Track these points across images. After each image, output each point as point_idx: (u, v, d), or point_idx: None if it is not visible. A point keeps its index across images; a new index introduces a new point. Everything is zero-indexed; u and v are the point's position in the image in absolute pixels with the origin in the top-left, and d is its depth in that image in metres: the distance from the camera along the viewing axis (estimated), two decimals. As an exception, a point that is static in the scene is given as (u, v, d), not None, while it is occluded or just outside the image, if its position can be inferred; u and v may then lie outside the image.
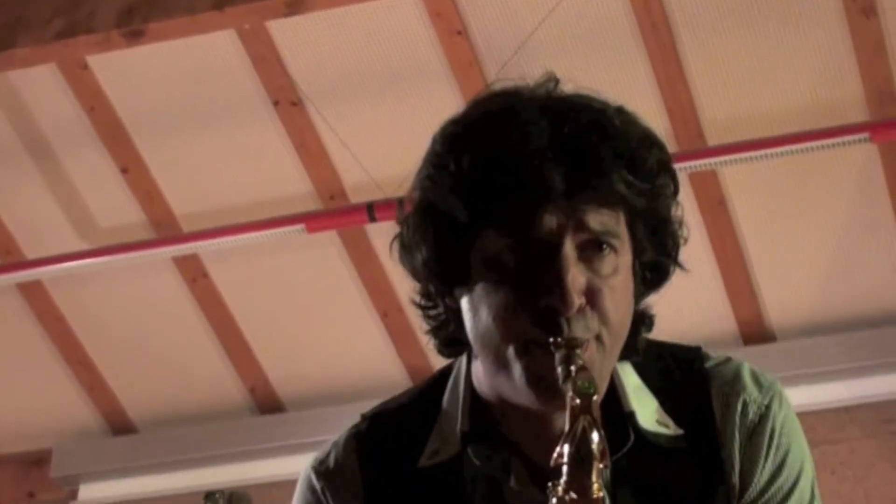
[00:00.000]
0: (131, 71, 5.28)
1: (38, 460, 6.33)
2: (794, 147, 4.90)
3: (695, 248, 5.37)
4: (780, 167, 5.07)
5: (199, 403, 6.13)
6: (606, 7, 4.90)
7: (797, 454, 1.78)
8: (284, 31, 5.12)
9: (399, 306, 5.61)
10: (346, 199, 5.44)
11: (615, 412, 1.73)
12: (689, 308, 5.19)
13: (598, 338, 1.63)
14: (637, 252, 1.70)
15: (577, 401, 1.52)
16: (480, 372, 1.76)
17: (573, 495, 1.51)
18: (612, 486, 1.69)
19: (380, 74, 4.97)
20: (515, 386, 1.64)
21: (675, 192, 1.70)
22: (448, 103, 4.89)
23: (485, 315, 1.65)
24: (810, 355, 5.32)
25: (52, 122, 5.47)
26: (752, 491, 1.74)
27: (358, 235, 5.53)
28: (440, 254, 1.69)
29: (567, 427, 1.52)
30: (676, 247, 1.74)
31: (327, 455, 1.83)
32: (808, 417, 4.44)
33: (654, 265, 1.74)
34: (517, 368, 1.63)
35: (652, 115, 4.79)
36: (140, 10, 4.83)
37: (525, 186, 1.60)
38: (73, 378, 6.14)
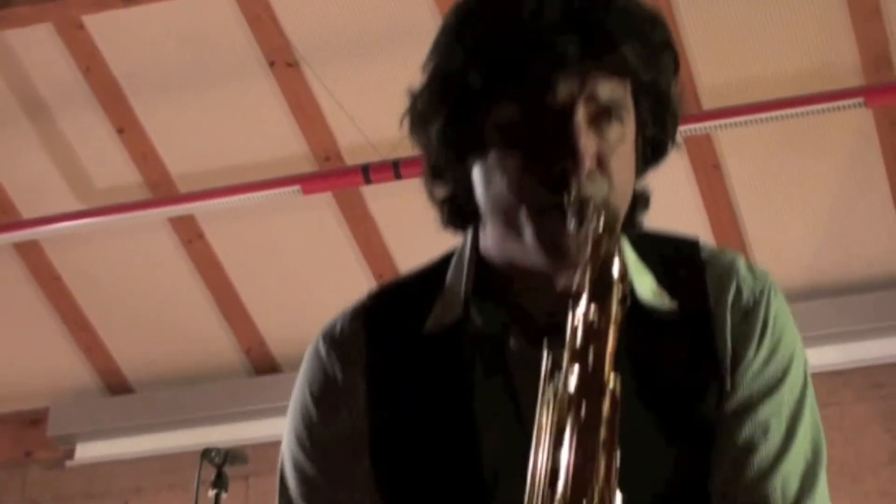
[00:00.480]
0: (127, 31, 5.26)
1: (34, 420, 6.34)
2: (789, 111, 4.91)
3: (689, 212, 5.40)
4: (776, 132, 5.06)
5: (194, 364, 6.14)
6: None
7: (790, 342, 1.81)
8: (281, -8, 5.11)
9: (394, 267, 5.61)
10: (342, 160, 5.43)
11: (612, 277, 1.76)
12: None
13: (605, 201, 1.67)
14: (640, 126, 1.75)
15: (601, 225, 1.58)
16: (489, 239, 1.78)
17: (593, 314, 1.55)
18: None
19: (376, 36, 4.95)
20: (526, 248, 1.68)
21: (676, 70, 1.76)
22: (444, 65, 4.88)
23: (498, 180, 1.70)
24: (803, 319, 5.22)
25: (48, 82, 5.46)
26: (744, 373, 1.76)
27: (353, 197, 5.52)
28: (455, 122, 1.73)
29: (589, 252, 1.57)
30: (675, 125, 1.81)
31: (334, 324, 1.87)
32: (801, 381, 4.45)
33: (654, 141, 1.79)
34: (529, 231, 1.67)
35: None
36: (135, -31, 4.83)
37: (540, 54, 1.65)
38: (70, 338, 6.15)
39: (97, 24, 5.24)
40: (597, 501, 1.50)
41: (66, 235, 5.73)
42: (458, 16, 1.76)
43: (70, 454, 6.29)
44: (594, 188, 1.64)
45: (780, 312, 1.82)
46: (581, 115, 1.66)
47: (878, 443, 5.34)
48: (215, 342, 6.09)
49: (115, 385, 6.28)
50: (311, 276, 5.73)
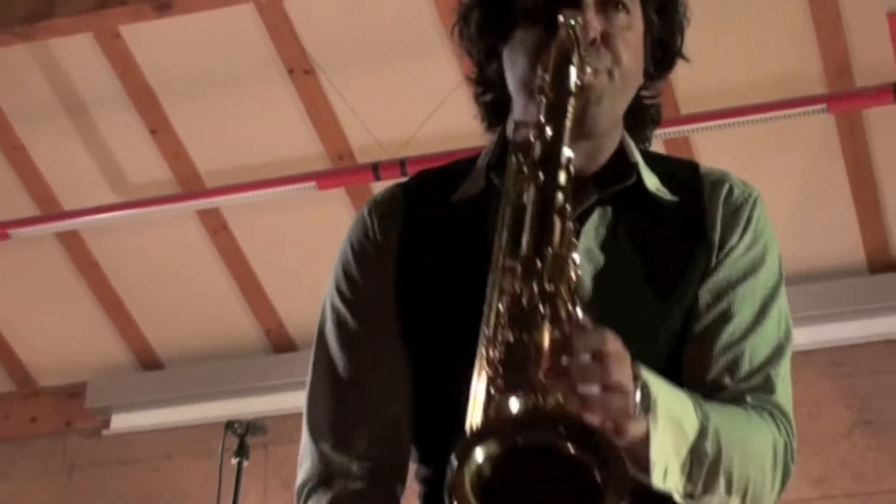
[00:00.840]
0: (160, 41, 5.26)
1: (74, 393, 6.35)
2: (758, 116, 4.92)
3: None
4: (747, 135, 5.07)
5: (219, 343, 6.14)
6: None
7: (769, 241, 1.88)
8: (298, 6, 5.10)
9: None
10: (354, 159, 5.44)
11: (622, 165, 1.85)
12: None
13: (610, 73, 1.77)
14: (648, 26, 1.84)
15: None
16: (515, 115, 1.85)
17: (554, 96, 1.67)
18: (613, 229, 1.81)
19: (384, 47, 4.96)
20: (516, 120, 1.77)
21: None
22: (445, 73, 4.88)
23: (520, 55, 1.79)
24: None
25: (88, 86, 5.46)
26: (727, 257, 1.83)
27: (364, 193, 5.51)
28: (488, 9, 1.84)
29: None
30: (681, 33, 1.91)
31: (380, 193, 1.97)
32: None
33: (662, 45, 1.89)
34: (536, 107, 1.71)
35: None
36: (168, -16, 4.83)
37: None
38: (107, 319, 6.15)
39: (132, 34, 5.25)
40: (551, 258, 1.56)
41: (103, 226, 5.74)
42: None
43: (106, 424, 6.30)
44: (595, 59, 1.74)
45: (763, 217, 1.88)
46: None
47: (838, 417, 5.35)
48: (238, 323, 6.10)
49: (148, 361, 6.29)
50: (325, 265, 5.68)
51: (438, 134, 5.03)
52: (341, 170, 5.42)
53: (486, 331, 1.56)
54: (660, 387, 1.61)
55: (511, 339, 1.54)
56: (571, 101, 1.67)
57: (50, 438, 6.38)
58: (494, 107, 1.93)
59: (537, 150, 1.64)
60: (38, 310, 6.16)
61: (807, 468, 5.25)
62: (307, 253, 5.64)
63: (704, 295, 1.80)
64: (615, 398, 1.49)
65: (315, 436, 1.89)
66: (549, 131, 1.64)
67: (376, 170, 5.20)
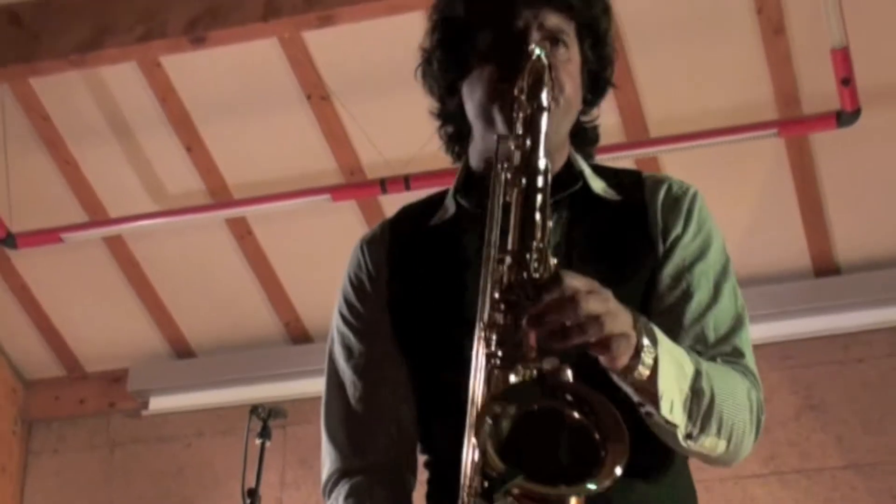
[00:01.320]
0: (196, 69, 5.27)
1: (117, 378, 6.34)
2: (717, 140, 4.91)
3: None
4: (708, 155, 5.06)
5: (244, 334, 6.14)
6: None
7: (713, 228, 1.90)
8: (317, 40, 5.11)
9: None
10: (364, 175, 5.44)
11: (570, 174, 1.90)
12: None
13: (556, 100, 1.80)
14: (584, 60, 1.89)
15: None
16: (475, 144, 1.90)
17: (532, 110, 1.69)
18: (569, 227, 1.84)
19: (392, 75, 4.96)
20: (499, 133, 1.81)
21: (609, 20, 1.93)
22: (445, 100, 4.89)
23: (478, 89, 1.84)
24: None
25: (132, 108, 5.47)
26: (676, 244, 1.85)
27: (373, 204, 5.53)
28: (448, 51, 1.89)
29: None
30: (612, 64, 1.95)
31: (371, 231, 2.03)
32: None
33: (596, 76, 1.93)
34: (499, 119, 1.78)
35: (605, 111, 4.77)
36: (203, 20, 4.83)
37: None
38: (146, 312, 6.16)
39: (172, 64, 5.26)
40: (536, 250, 1.59)
41: (144, 231, 5.75)
42: None
43: (145, 405, 6.29)
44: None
45: (704, 208, 1.92)
46: (535, 36, 1.81)
47: (786, 403, 5.35)
48: (260, 317, 6.10)
49: (182, 350, 6.29)
50: (337, 267, 5.68)
51: (438, 153, 5.02)
52: (353, 184, 5.43)
53: (482, 315, 1.59)
54: (656, 327, 1.64)
55: (505, 321, 1.57)
56: (545, 116, 1.69)
57: (95, 418, 6.37)
58: (456, 137, 1.98)
59: (517, 158, 1.68)
60: (86, 304, 6.17)
61: (759, 448, 5.20)
62: (322, 256, 5.65)
63: (665, 279, 1.83)
64: (599, 325, 1.51)
65: (333, 442, 1.94)
66: (528, 143, 1.68)
67: (383, 184, 5.20)
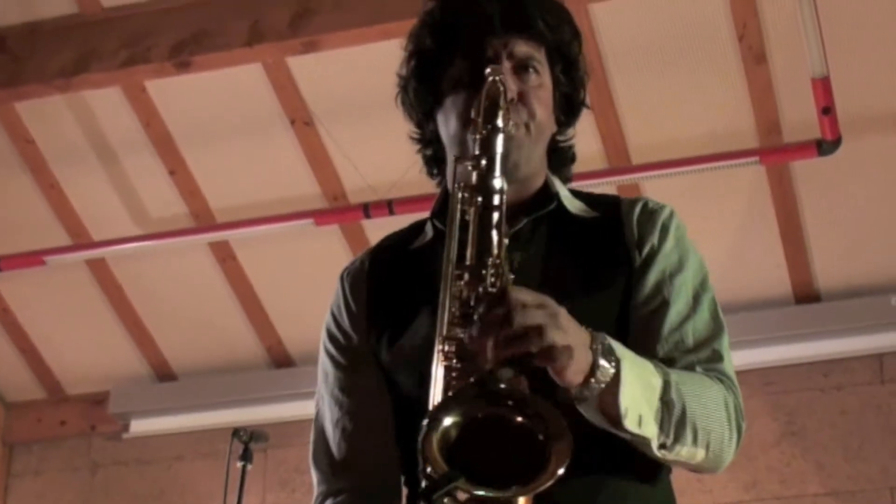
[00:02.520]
0: (180, 94, 5.27)
1: (99, 400, 6.32)
2: (699, 167, 4.93)
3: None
4: (690, 182, 5.08)
5: (226, 357, 6.13)
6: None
7: (689, 244, 1.92)
8: (300, 65, 5.12)
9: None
10: (347, 199, 5.44)
11: (547, 195, 1.93)
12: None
13: (527, 126, 1.85)
14: (556, 83, 1.92)
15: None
16: (450, 168, 1.91)
17: (486, 132, 1.73)
18: (547, 243, 1.87)
19: (374, 101, 4.97)
20: (455, 155, 1.84)
21: (579, 44, 1.96)
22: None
23: (452, 116, 1.87)
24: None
25: (117, 132, 5.46)
26: (654, 258, 1.86)
27: (356, 229, 5.53)
28: (423, 80, 1.93)
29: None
30: (583, 86, 1.99)
31: (352, 262, 2.05)
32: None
33: (568, 98, 1.96)
34: (471, 143, 1.78)
35: (588, 138, 4.80)
36: (188, 45, 4.85)
37: (475, 24, 1.86)
38: (128, 335, 6.14)
39: (156, 88, 5.26)
40: (492, 265, 1.63)
41: (127, 254, 5.73)
42: (423, 9, 1.95)
43: (126, 428, 6.26)
44: (515, 115, 1.81)
45: (681, 226, 1.93)
46: (506, 65, 1.84)
47: (767, 429, 5.36)
48: (243, 341, 6.08)
49: (163, 373, 6.27)
50: (320, 291, 5.68)
51: (421, 178, 5.03)
52: (336, 209, 5.42)
53: (441, 330, 1.62)
54: (621, 346, 1.65)
55: (461, 335, 1.60)
56: (500, 137, 1.73)
57: (77, 440, 6.35)
58: (434, 161, 2.01)
59: (474, 178, 1.71)
60: (68, 327, 6.15)
61: (740, 474, 5.26)
62: (305, 281, 5.64)
63: (644, 289, 1.84)
64: (540, 336, 1.53)
65: (317, 466, 1.98)
66: (483, 163, 1.71)
67: (366, 209, 5.21)
